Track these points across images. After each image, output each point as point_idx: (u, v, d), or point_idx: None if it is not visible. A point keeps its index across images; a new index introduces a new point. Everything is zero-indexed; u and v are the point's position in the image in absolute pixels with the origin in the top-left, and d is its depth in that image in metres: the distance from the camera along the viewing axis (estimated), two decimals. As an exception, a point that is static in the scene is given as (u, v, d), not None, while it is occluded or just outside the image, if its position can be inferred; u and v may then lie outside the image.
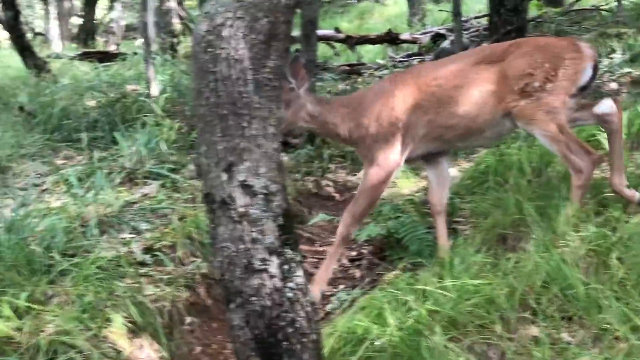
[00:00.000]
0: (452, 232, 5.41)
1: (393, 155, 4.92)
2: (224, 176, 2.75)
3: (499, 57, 4.90)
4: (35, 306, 4.31)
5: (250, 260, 2.79)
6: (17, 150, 7.58)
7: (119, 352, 4.16)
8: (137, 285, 4.82)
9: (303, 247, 5.96)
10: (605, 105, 4.92)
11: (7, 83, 11.63)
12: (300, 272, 2.84)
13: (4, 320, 4.16)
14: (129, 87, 10.89)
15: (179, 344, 4.75)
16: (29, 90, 10.09)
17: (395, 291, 4.23)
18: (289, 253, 2.81)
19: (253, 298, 2.80)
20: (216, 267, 2.91)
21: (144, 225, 5.98)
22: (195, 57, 2.81)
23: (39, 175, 7.25)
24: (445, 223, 5.22)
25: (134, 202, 6.40)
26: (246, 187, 2.74)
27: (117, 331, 4.30)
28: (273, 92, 2.75)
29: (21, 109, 8.96)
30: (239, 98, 2.71)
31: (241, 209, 2.76)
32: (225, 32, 2.70)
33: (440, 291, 4.07)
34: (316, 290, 4.81)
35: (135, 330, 4.45)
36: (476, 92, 4.86)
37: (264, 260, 2.78)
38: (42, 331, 4.07)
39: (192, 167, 7.33)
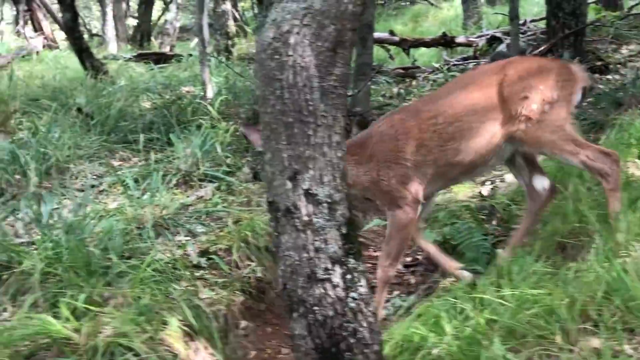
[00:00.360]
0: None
1: (412, 193, 4.83)
2: (289, 184, 2.74)
3: (494, 81, 4.83)
4: (93, 308, 4.35)
5: (313, 269, 2.77)
6: (75, 152, 7.64)
7: (175, 355, 4.17)
8: (193, 288, 4.84)
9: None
10: (543, 184, 5.08)
11: (65, 84, 11.74)
12: (363, 282, 2.80)
13: (62, 321, 4.19)
14: (184, 89, 10.96)
15: (233, 348, 4.75)
16: (86, 91, 10.19)
17: (453, 299, 4.18)
18: (352, 262, 2.77)
19: (316, 307, 2.78)
20: (279, 275, 2.89)
21: (199, 228, 6.01)
22: (260, 64, 2.80)
23: (95, 177, 7.32)
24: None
25: (189, 205, 6.42)
26: (310, 196, 2.72)
27: (173, 334, 4.31)
28: (338, 100, 2.72)
29: (79, 110, 9.04)
30: (305, 106, 2.69)
31: (305, 218, 2.74)
32: (291, 40, 2.68)
33: (499, 300, 4.02)
34: None
35: (190, 334, 4.46)
36: (477, 123, 4.80)
37: (327, 269, 2.75)
38: (100, 333, 4.10)
39: (247, 170, 7.34)
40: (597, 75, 9.84)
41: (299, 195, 2.73)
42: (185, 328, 4.43)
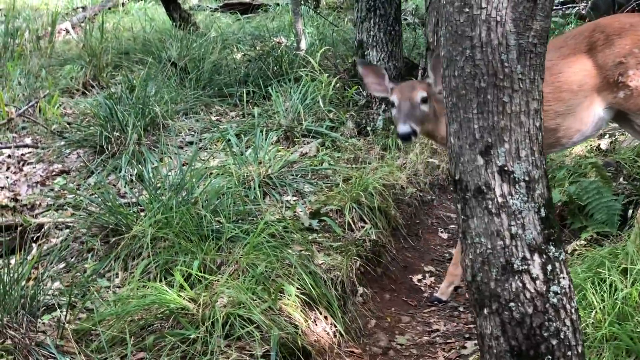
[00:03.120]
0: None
1: None
2: (480, 160, 2.41)
3: (587, 45, 4.47)
4: (207, 276, 4.12)
5: (508, 259, 2.44)
6: (172, 107, 7.43)
7: (295, 326, 3.91)
8: (307, 253, 4.57)
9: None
10: None
11: (154, 37, 11.53)
12: (565, 274, 2.45)
13: (176, 289, 3.98)
14: (275, 40, 10.64)
15: (353, 317, 4.48)
16: (177, 44, 9.94)
17: (597, 268, 3.83)
18: (552, 251, 2.42)
19: (512, 304, 2.45)
20: (467, 266, 2.59)
21: (307, 187, 5.75)
22: (446, 20, 2.45)
23: (194, 132, 7.11)
24: None
25: (294, 162, 6.15)
26: (506, 173, 2.39)
27: (291, 303, 4.06)
28: (537, 61, 2.34)
29: (174, 64, 8.81)
30: (500, 68, 2.34)
31: (499, 199, 2.41)
32: (485, -11, 2.30)
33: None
34: None
35: (309, 303, 4.20)
36: (575, 87, 4.44)
37: (524, 259, 2.41)
38: (216, 302, 3.86)
39: (351, 125, 7.03)
40: None
41: (492, 172, 2.40)
42: (303, 297, 4.18)
